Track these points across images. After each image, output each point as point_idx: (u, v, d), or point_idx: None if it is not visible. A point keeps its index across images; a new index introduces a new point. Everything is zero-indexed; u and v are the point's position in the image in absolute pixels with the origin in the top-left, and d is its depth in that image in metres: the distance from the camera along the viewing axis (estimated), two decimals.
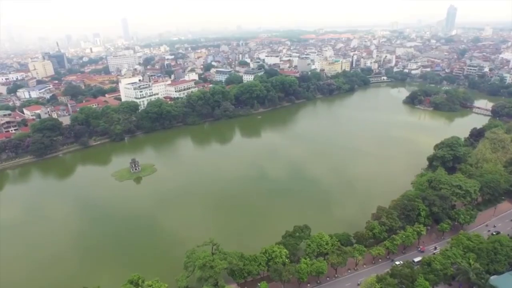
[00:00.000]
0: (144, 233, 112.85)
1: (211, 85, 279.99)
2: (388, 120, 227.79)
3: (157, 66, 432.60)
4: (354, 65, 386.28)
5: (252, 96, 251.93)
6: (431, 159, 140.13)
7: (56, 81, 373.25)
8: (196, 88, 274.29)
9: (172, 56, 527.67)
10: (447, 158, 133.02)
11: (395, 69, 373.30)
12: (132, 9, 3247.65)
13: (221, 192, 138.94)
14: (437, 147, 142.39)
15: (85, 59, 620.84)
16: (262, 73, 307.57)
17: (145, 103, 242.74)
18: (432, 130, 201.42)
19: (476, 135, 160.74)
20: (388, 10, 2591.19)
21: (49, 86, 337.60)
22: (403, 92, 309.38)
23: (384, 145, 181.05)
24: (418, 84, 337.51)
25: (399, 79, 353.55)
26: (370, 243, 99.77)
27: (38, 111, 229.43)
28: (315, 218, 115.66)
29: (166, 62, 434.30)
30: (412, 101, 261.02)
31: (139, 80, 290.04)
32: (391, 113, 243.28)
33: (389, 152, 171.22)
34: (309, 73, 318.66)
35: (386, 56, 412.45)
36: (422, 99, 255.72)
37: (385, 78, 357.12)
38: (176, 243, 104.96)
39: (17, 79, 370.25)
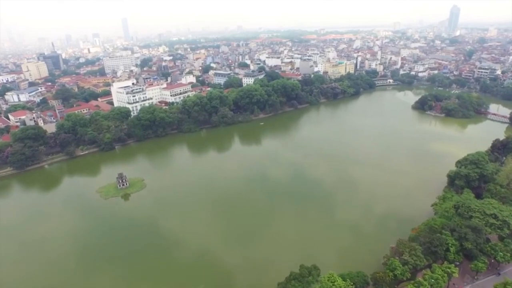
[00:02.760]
0: (132, 255, 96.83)
1: (209, 89, 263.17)
2: (397, 127, 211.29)
3: (154, 68, 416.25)
4: (358, 67, 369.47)
5: (252, 101, 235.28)
6: (452, 177, 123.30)
7: (49, 83, 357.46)
8: (193, 92, 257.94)
9: (170, 57, 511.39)
10: (472, 177, 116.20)
11: (401, 72, 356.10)
12: (133, 9, 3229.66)
13: (218, 207, 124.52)
14: (459, 163, 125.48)
15: (82, 60, 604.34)
16: (262, 76, 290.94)
17: (138, 108, 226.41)
18: (447, 140, 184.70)
19: (500, 147, 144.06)
20: (389, 10, 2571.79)
21: (41, 88, 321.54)
22: (409, 96, 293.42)
23: (395, 157, 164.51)
24: (426, 87, 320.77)
25: (406, 82, 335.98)
26: (389, 282, 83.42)
27: (23, 117, 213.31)
28: (322, 239, 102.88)
29: (163, 64, 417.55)
30: (422, 106, 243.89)
31: (133, 83, 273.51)
32: (400, 120, 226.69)
33: (401, 165, 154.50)
34: (312, 76, 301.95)
35: (391, 58, 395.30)
36: (433, 104, 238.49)
37: (391, 81, 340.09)
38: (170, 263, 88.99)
39: (7, 81, 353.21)
